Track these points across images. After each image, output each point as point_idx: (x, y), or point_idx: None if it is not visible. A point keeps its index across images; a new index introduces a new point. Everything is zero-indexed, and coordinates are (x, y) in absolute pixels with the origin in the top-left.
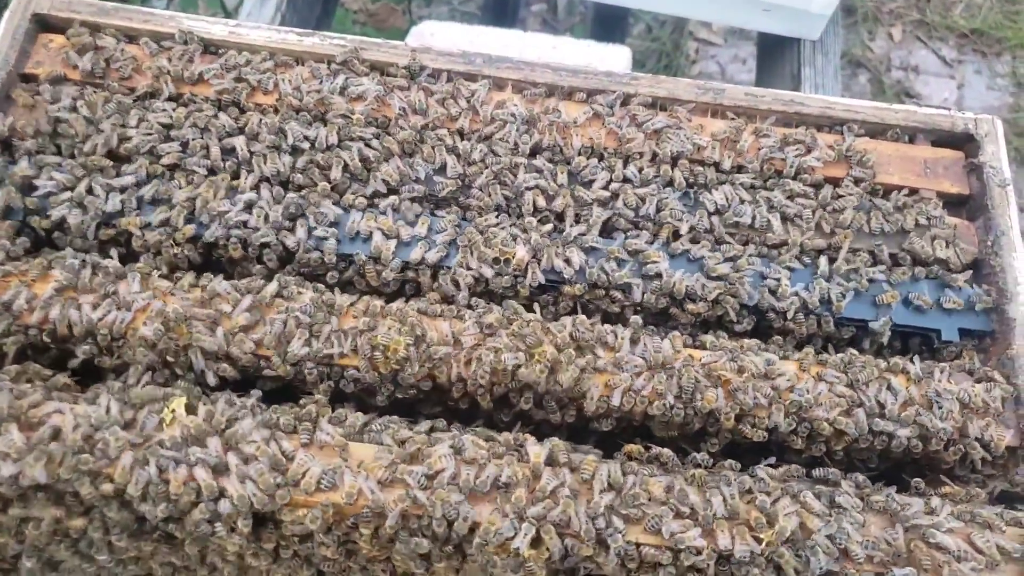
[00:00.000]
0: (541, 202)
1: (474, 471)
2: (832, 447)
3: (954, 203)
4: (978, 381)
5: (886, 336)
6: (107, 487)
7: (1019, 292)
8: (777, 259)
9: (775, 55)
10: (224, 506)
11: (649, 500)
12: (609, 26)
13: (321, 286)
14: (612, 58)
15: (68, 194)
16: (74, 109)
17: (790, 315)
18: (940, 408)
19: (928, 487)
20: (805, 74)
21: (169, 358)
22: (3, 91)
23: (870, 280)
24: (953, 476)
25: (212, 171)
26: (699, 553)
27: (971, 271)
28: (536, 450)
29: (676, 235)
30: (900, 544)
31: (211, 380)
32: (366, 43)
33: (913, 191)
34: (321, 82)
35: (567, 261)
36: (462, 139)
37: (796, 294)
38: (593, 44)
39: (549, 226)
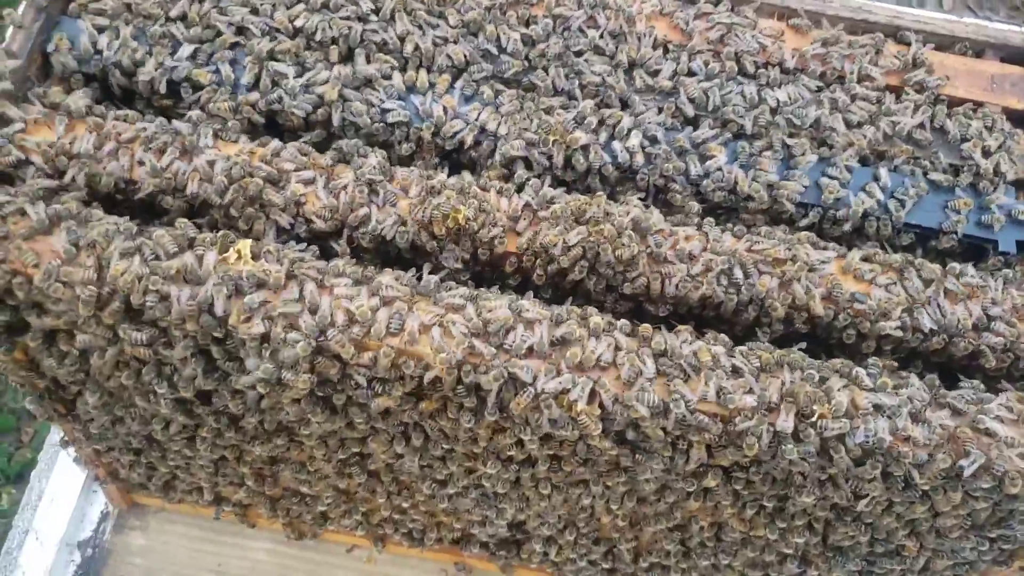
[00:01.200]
0: (605, 87)
1: (532, 330)
2: (881, 345)
3: (1019, 120)
4: None
5: (959, 232)
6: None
7: None
8: (837, 160)
9: None
10: (296, 347)
11: (701, 366)
12: None
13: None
14: None
15: (134, 44)
16: None
17: (851, 219)
18: (993, 319)
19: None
20: None
21: (234, 212)
22: None
23: (933, 184)
24: (1010, 380)
25: (278, 36)
26: (751, 417)
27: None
28: (596, 319)
29: (740, 132)
30: (950, 427)
31: (271, 237)
32: None
33: (978, 105)
34: None
35: (627, 148)
36: (528, 25)
37: (855, 197)
38: None
39: (612, 111)
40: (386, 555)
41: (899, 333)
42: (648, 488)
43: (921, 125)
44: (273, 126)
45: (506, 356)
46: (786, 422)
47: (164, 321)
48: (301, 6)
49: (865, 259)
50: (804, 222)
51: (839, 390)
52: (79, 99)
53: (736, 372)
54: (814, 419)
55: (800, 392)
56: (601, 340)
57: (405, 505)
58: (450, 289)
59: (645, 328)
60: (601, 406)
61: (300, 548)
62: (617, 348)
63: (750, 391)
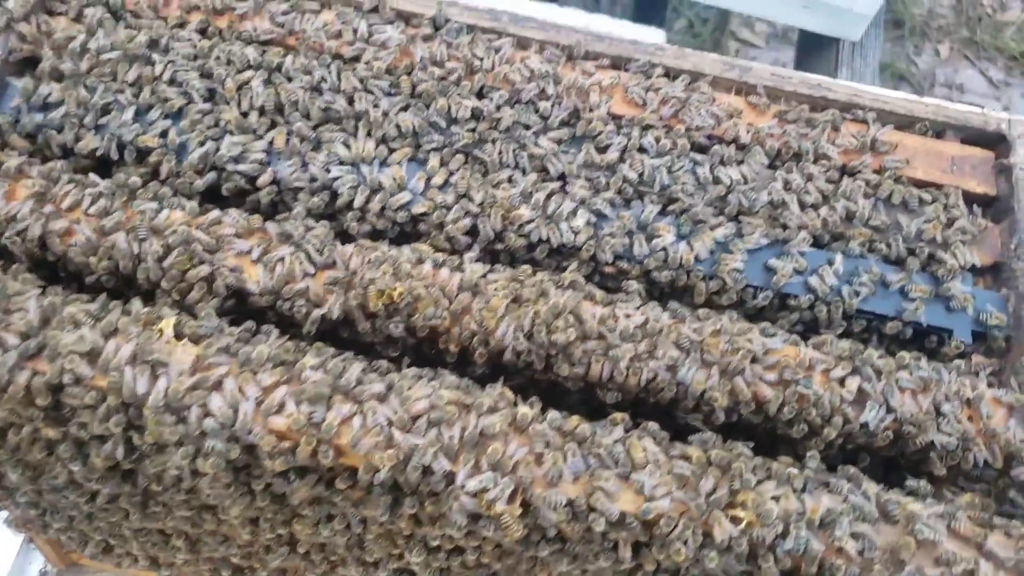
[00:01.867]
0: (553, 161)
1: (458, 426)
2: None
3: (979, 203)
4: (989, 386)
5: (923, 321)
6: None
7: None
8: (790, 243)
9: (813, 57)
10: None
11: (632, 465)
12: (648, 14)
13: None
14: (645, 38)
15: (81, 110)
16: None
17: (802, 303)
18: (945, 417)
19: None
20: (842, 75)
21: (165, 284)
22: (30, 16)
23: (883, 283)
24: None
25: (227, 102)
26: (676, 523)
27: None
28: (524, 410)
29: (686, 210)
30: (889, 539)
31: (201, 311)
32: None
33: (937, 187)
34: (346, 25)
35: (572, 227)
36: (481, 96)
37: (806, 282)
38: (628, 24)
39: (557, 186)
40: None
41: (849, 429)
42: None
43: (877, 207)
44: (217, 193)
45: (424, 448)
46: (715, 530)
47: (77, 401)
48: (251, 71)
49: (816, 346)
50: (754, 303)
51: (772, 496)
52: (20, 161)
53: (666, 470)
54: (742, 526)
55: (729, 496)
56: (527, 435)
57: None
58: (374, 372)
59: (573, 420)
60: (523, 505)
61: None
62: (546, 443)
63: (673, 495)
